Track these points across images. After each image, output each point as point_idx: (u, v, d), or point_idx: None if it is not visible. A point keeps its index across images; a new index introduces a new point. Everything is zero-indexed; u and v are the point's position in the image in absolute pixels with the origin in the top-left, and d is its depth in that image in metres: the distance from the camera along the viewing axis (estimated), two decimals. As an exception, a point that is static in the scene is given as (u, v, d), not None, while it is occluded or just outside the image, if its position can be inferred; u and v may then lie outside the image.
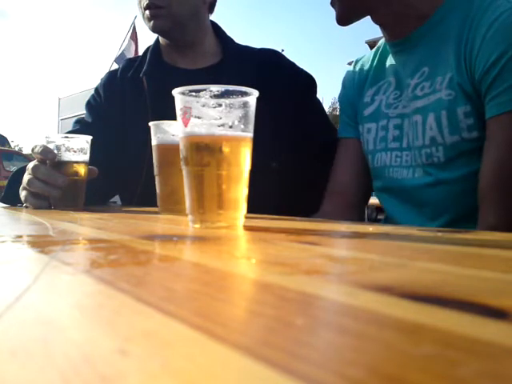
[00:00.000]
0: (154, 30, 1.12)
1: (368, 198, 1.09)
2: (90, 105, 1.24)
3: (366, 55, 1.08)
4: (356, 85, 1.05)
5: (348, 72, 1.10)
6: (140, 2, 1.11)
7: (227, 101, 0.50)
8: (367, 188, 1.04)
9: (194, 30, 1.17)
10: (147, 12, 1.09)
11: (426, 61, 0.86)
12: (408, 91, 0.89)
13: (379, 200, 1.01)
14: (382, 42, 1.03)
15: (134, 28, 7.22)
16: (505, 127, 0.75)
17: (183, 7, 1.12)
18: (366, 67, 1.04)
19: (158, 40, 1.23)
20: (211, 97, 0.50)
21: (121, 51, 6.97)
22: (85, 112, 1.24)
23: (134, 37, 7.15)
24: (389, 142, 0.94)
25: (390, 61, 0.97)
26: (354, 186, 1.03)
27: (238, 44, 1.24)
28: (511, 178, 0.75)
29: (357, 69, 1.07)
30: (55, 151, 0.90)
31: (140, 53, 1.32)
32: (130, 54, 6.55)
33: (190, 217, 0.53)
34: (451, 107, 0.80)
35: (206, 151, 0.51)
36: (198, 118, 0.51)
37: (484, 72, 0.76)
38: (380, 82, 0.99)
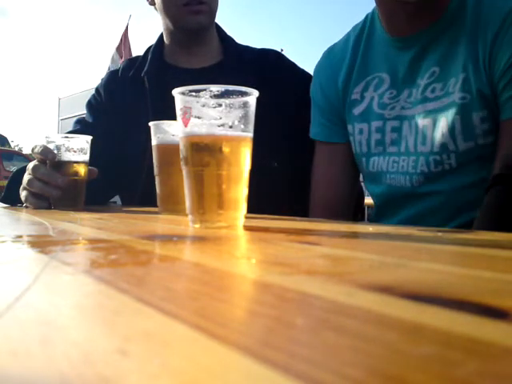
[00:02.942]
0: (196, 25, 1.10)
1: (355, 204, 1.01)
2: (90, 105, 1.24)
3: (341, 45, 0.97)
4: (337, 82, 0.94)
5: (322, 64, 0.99)
6: (174, 3, 1.09)
7: (227, 101, 0.50)
8: (354, 196, 0.98)
9: (212, 27, 1.18)
10: (190, 8, 1.07)
11: (436, 60, 0.80)
12: (417, 92, 0.82)
13: (377, 206, 0.94)
14: (357, 30, 0.94)
15: (127, 28, 7.20)
16: None
17: (216, 4, 1.13)
18: (347, 61, 0.93)
19: (160, 39, 1.23)
20: (211, 97, 0.50)
21: (113, 55, 6.94)
22: (85, 112, 1.24)
23: (125, 37, 7.11)
24: (387, 147, 0.86)
25: (383, 55, 0.88)
26: (339, 197, 0.96)
27: (238, 44, 1.24)
28: None
29: (334, 60, 0.96)
30: (55, 151, 0.90)
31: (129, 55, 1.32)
32: (116, 65, 6.47)
33: (190, 217, 0.53)
34: (466, 112, 0.75)
35: (206, 151, 0.51)
36: (198, 117, 0.51)
37: (503, 71, 0.72)
38: (368, 77, 0.89)
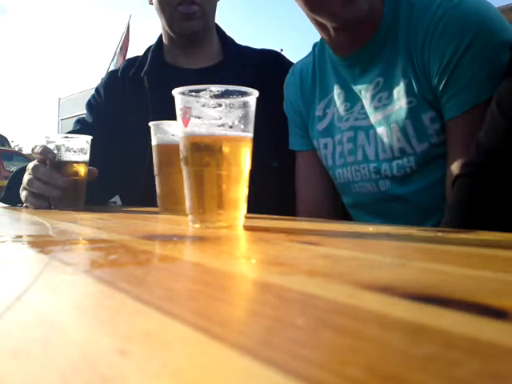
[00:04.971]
0: (189, 31, 1.10)
1: (341, 209, 1.02)
2: (90, 105, 1.24)
3: (304, 62, 1.02)
4: (302, 95, 1.00)
5: (289, 81, 1.05)
6: (169, 3, 1.08)
7: (227, 101, 0.50)
8: (337, 197, 0.99)
9: (211, 29, 1.18)
10: (183, 8, 1.07)
11: (379, 72, 0.84)
12: (366, 103, 0.86)
13: (352, 216, 0.97)
14: (317, 48, 0.98)
15: (128, 28, 7.23)
16: (462, 130, 0.73)
17: (212, 7, 1.13)
18: (309, 77, 0.98)
19: (160, 39, 1.23)
20: (211, 97, 0.50)
21: (115, 56, 6.97)
22: (85, 112, 1.24)
23: (126, 37, 7.15)
24: (346, 157, 0.90)
25: (336, 72, 0.93)
26: (322, 202, 0.99)
27: (238, 44, 1.25)
28: None
29: (298, 78, 1.01)
30: (55, 151, 0.90)
31: (132, 54, 1.31)
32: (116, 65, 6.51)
33: (190, 217, 0.53)
34: (415, 114, 0.78)
35: (206, 151, 0.51)
36: (198, 117, 0.51)
37: (438, 76, 0.75)
38: (329, 95, 0.94)
